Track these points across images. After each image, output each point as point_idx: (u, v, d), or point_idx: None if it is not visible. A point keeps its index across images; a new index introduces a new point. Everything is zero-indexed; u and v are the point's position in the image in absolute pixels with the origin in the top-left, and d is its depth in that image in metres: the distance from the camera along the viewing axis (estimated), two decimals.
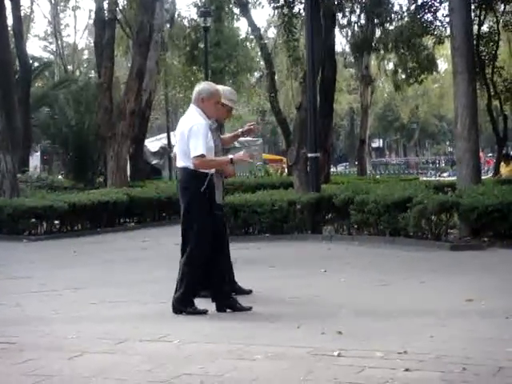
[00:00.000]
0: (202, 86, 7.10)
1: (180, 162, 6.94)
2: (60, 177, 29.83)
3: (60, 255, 12.42)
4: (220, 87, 7.76)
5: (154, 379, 4.60)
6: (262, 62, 36.97)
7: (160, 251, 12.55)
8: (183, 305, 6.80)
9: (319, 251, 11.60)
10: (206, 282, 7.18)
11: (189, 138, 6.77)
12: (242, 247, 12.26)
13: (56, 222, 15.62)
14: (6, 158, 17.44)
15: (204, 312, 6.81)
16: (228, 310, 6.90)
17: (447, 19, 20.76)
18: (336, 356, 5.00)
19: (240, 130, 8.13)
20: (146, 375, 4.70)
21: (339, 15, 26.24)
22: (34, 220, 15.17)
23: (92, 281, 9.27)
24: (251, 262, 10.66)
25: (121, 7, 27.23)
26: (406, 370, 4.61)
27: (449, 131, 69.44)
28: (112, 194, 17.11)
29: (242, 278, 8.97)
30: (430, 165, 53.93)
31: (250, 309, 6.87)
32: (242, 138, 9.24)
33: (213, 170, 6.93)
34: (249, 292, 7.72)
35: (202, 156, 6.72)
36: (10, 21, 28.12)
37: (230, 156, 7.06)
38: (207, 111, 6.97)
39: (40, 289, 8.66)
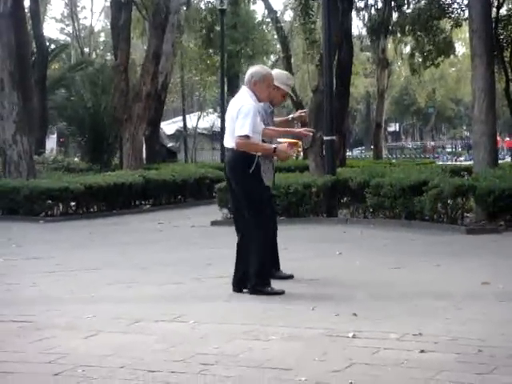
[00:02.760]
0: (255, 69, 7.00)
1: (229, 142, 6.83)
2: (76, 159, 29.97)
3: (76, 236, 12.48)
4: (277, 71, 7.80)
5: (168, 359, 4.62)
6: (278, 45, 36.87)
7: (175, 233, 12.59)
8: (262, 286, 6.73)
9: (334, 234, 11.60)
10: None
11: (237, 118, 6.67)
12: None
13: (72, 203, 15.71)
14: (22, 139, 17.52)
15: (281, 292, 6.74)
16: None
17: (465, 1, 20.63)
18: (351, 337, 5.00)
19: (291, 115, 8.12)
20: (161, 355, 4.72)
21: None
22: (50, 201, 15.26)
23: (108, 262, 9.31)
24: None
25: None
26: (421, 351, 4.60)
27: (466, 115, 69.04)
28: (128, 176, 17.17)
29: None
30: (446, 149, 53.69)
31: (282, 292, 6.78)
32: None
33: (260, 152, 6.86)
34: (290, 277, 7.57)
35: (247, 137, 6.61)
36: (26, 2, 28.25)
37: (274, 145, 6.90)
38: (259, 94, 6.87)
39: (56, 269, 8.71)
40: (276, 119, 7.90)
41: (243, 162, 6.73)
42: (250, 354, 4.69)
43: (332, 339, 4.99)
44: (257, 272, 6.76)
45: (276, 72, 7.68)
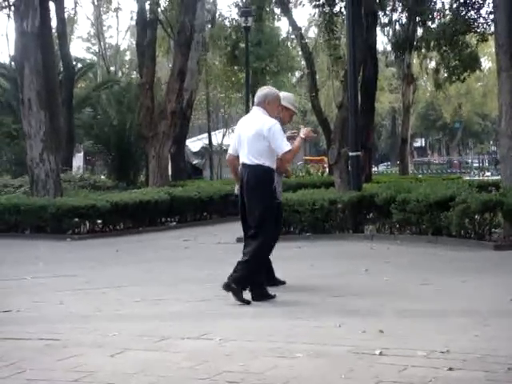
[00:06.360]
0: (268, 91, 7.68)
1: (252, 160, 7.34)
2: (102, 176, 30.14)
3: (102, 254, 12.53)
4: (285, 93, 8.48)
5: (195, 376, 4.61)
6: (302, 62, 36.94)
7: (201, 250, 12.60)
8: (243, 284, 7.25)
9: (361, 250, 11.54)
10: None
11: (273, 138, 7.25)
12: (282, 246, 12.20)
13: (98, 221, 15.77)
14: (49, 157, 17.65)
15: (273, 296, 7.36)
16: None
17: (491, 16, 20.51)
18: (378, 355, 4.95)
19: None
20: (187, 372, 4.71)
21: (380, 14, 26.15)
22: (76, 219, 15.35)
23: (134, 279, 9.33)
24: (292, 261, 10.64)
25: (162, 8, 27.37)
26: (450, 369, 4.55)
27: (493, 130, 68.48)
28: (153, 193, 17.23)
29: (283, 276, 8.98)
30: (473, 164, 53.30)
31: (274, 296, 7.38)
32: None
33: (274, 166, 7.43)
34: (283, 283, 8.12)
35: (290, 151, 7.34)
36: (54, 23, 28.56)
37: (302, 135, 7.67)
38: (270, 113, 7.51)
39: (83, 287, 8.74)
40: None
41: (268, 177, 7.33)
42: (276, 372, 4.66)
43: (359, 356, 4.95)
44: (244, 275, 7.24)
45: (284, 94, 8.38)
